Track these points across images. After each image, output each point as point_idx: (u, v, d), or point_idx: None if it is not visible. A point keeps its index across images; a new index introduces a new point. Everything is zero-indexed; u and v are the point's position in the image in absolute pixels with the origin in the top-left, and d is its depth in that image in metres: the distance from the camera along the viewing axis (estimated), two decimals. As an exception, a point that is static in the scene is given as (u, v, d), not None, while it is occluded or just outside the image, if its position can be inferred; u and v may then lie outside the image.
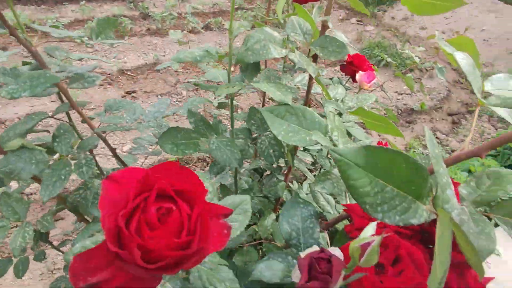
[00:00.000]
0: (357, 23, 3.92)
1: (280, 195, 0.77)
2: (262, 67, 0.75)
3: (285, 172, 0.82)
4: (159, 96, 2.58)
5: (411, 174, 0.26)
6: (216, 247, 0.21)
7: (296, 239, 0.39)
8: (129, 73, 2.88)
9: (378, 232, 0.35)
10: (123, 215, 0.19)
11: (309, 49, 0.57)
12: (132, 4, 3.90)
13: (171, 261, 0.19)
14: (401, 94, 2.73)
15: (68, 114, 0.64)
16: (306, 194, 0.79)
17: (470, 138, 0.35)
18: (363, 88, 0.93)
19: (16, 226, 0.69)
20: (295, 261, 0.35)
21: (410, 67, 1.74)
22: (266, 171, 0.94)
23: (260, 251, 0.61)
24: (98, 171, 0.67)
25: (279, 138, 0.46)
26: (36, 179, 0.57)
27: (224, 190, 0.72)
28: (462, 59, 0.34)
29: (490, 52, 3.27)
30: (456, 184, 0.42)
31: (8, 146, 0.51)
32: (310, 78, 0.63)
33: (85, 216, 0.79)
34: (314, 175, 0.80)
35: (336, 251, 0.28)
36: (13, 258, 0.81)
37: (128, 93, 2.67)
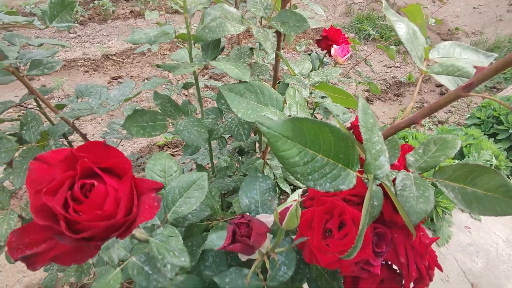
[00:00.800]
0: (346, -4, 3.82)
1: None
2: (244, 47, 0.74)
3: (263, 150, 0.83)
4: (145, 81, 2.54)
5: (339, 143, 0.27)
6: (147, 218, 0.22)
7: (254, 211, 0.41)
8: (114, 58, 2.82)
9: (321, 201, 0.37)
10: (48, 191, 0.20)
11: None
12: (113, -15, 3.75)
13: (98, 231, 0.20)
14: (390, 67, 2.72)
15: (37, 102, 0.64)
16: (281, 168, 0.81)
17: (411, 107, 0.36)
18: (338, 62, 0.92)
19: (-2, 214, 0.70)
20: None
21: (395, 39, 1.72)
22: (246, 150, 0.95)
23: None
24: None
25: (239, 115, 0.47)
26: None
27: (201, 170, 0.73)
28: (401, 28, 0.35)
29: (480, 20, 3.23)
30: (410, 150, 0.44)
31: (-25, 136, 0.52)
32: (277, 55, 0.63)
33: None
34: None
35: (269, 218, 0.30)
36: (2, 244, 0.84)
37: (114, 78, 2.63)
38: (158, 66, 0.55)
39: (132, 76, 2.66)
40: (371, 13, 3.23)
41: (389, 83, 2.53)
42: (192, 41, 0.53)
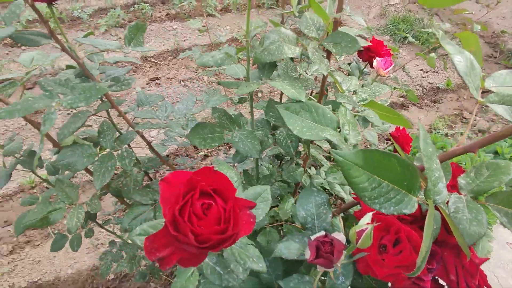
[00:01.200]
0: (381, -4, 3.73)
1: (299, 180, 0.83)
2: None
3: (303, 157, 0.87)
4: (182, 82, 2.66)
5: (404, 172, 0.31)
6: (246, 232, 0.27)
7: (311, 223, 0.45)
8: (152, 59, 2.97)
9: (378, 218, 0.40)
10: (178, 209, 0.26)
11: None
12: (151, -11, 3.91)
13: (214, 242, 0.25)
14: (427, 72, 2.64)
15: (107, 112, 0.72)
16: (324, 179, 0.84)
17: (466, 135, 0.38)
18: (380, 74, 0.94)
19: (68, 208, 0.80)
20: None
21: (434, 46, 1.68)
22: (285, 156, 0.99)
23: (281, 231, 0.68)
24: (135, 160, 0.75)
25: (295, 133, 0.51)
26: (86, 170, 0.66)
27: (247, 176, 0.79)
28: (459, 61, 0.37)
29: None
30: (460, 172, 0.46)
31: (64, 142, 0.60)
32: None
33: (125, 199, 0.89)
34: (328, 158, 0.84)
35: (339, 235, 0.34)
36: (67, 234, 0.94)
37: (152, 80, 2.77)
38: (219, 83, 0.61)
39: (169, 78, 2.78)
40: (407, 15, 3.14)
41: (426, 89, 2.46)
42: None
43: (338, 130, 0.51)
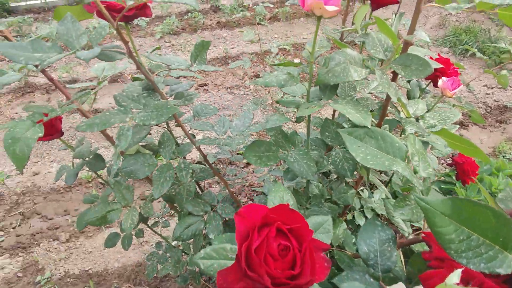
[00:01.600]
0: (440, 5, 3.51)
1: (350, 203, 0.79)
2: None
3: (356, 180, 0.83)
4: (228, 89, 2.72)
5: (499, 225, 0.27)
6: (321, 278, 0.26)
7: (373, 260, 0.42)
8: (201, 66, 3.09)
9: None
10: (254, 248, 0.25)
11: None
12: (204, -3, 4.09)
13: (288, 286, 0.25)
14: (492, 88, 2.40)
15: (167, 123, 0.75)
16: (376, 203, 0.80)
17: None
18: (446, 95, 0.87)
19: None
20: (372, 280, 0.39)
21: (505, 62, 1.52)
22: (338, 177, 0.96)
23: (332, 258, 0.65)
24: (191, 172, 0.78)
25: (358, 160, 0.48)
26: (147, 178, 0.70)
27: (296, 195, 0.77)
28: None
29: None
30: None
31: (128, 151, 0.64)
32: (388, 96, 0.63)
33: (175, 206, 0.93)
34: (385, 182, 0.80)
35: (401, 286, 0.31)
36: (120, 233, 1.00)
37: (201, 85, 2.87)
38: (277, 101, 0.61)
39: (216, 84, 2.87)
40: (471, 25, 2.90)
41: (490, 107, 2.24)
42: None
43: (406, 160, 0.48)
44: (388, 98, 0.64)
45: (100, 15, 0.55)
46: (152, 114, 0.45)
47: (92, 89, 0.72)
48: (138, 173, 0.62)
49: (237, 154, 0.78)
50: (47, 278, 1.51)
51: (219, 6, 3.83)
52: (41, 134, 0.59)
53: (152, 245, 1.63)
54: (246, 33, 1.40)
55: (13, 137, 0.57)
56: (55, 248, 1.65)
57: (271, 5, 3.55)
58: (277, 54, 2.47)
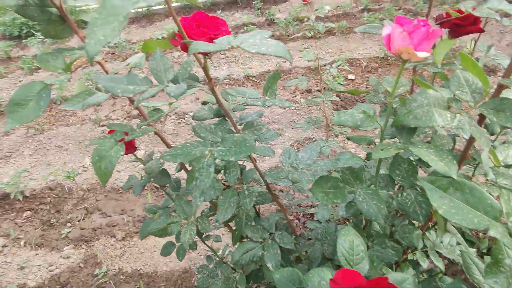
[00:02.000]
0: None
1: (415, 245, 0.74)
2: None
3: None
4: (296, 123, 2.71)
5: None
6: None
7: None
8: (253, 79, 3.15)
9: None
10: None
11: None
12: (259, 11, 4.19)
13: None
14: None
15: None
16: (446, 248, 0.73)
17: None
18: (536, 135, 0.77)
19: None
20: None
21: None
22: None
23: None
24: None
25: (440, 212, 0.45)
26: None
27: (358, 231, 0.74)
28: None
29: None
30: None
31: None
32: (472, 138, 0.58)
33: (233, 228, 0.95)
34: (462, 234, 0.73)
35: None
36: (175, 243, 1.05)
37: (252, 98, 2.94)
38: (348, 138, 0.59)
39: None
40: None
41: None
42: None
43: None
44: (471, 141, 0.59)
45: (184, 48, 0.60)
46: (231, 150, 0.47)
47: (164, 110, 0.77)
48: (204, 196, 0.65)
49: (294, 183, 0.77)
50: (104, 273, 1.64)
51: (274, 20, 3.90)
52: (122, 153, 0.65)
53: (199, 253, 1.68)
54: (305, 53, 1.41)
55: (100, 155, 0.63)
56: (112, 245, 1.78)
57: (328, 25, 3.52)
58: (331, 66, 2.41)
